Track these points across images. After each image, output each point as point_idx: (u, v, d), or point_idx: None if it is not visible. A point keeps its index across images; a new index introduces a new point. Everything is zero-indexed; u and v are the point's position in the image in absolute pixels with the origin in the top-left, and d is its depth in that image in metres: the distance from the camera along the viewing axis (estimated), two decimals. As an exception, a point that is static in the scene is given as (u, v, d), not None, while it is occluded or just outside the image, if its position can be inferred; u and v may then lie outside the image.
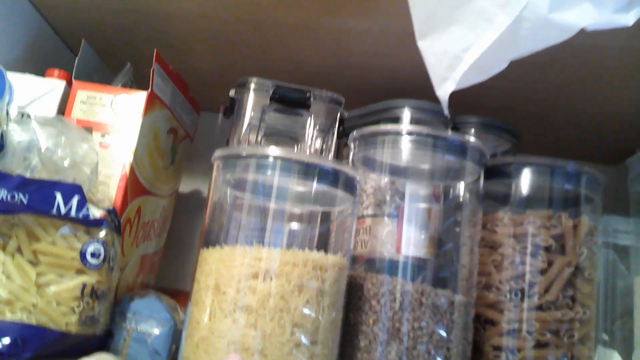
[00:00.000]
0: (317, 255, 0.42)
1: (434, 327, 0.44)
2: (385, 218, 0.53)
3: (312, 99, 0.56)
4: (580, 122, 0.69)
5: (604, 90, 0.61)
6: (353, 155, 0.52)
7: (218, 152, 0.47)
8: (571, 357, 0.47)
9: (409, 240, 0.52)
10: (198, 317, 0.42)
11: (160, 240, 0.67)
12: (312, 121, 0.57)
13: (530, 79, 0.61)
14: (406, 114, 0.60)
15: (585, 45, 0.53)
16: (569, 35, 0.40)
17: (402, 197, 0.54)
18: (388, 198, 0.54)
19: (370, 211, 0.55)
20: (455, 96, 0.66)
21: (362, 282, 0.46)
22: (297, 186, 0.46)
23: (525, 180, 0.52)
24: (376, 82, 0.69)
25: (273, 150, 0.44)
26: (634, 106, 0.63)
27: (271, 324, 0.39)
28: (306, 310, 0.40)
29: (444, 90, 0.46)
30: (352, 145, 0.53)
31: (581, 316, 0.48)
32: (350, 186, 0.46)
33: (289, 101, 0.57)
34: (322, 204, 0.49)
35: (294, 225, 0.50)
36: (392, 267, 0.50)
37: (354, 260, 0.53)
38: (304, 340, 0.40)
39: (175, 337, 0.50)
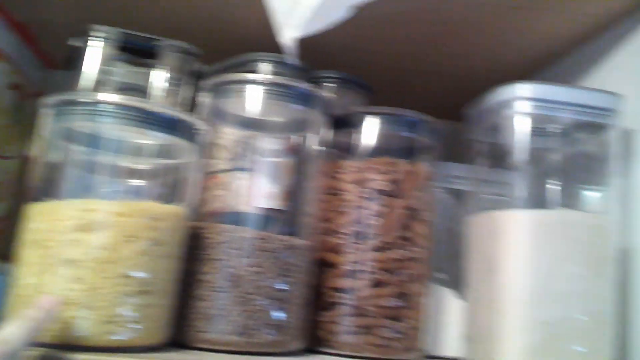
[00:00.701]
0: (151, 205, 0.41)
1: (274, 272, 0.45)
2: (240, 172, 0.53)
3: (162, 49, 0.54)
4: (433, 78, 0.72)
5: (455, 46, 0.64)
6: (205, 106, 0.52)
7: (44, 100, 0.44)
8: (404, 294, 0.50)
9: (262, 192, 0.52)
10: (22, 274, 0.40)
11: (4, 205, 0.63)
12: (163, 73, 0.55)
13: (384, 35, 0.63)
14: (265, 68, 0.61)
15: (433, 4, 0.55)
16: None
17: (257, 151, 0.54)
18: (242, 152, 0.54)
19: (225, 166, 0.54)
20: (313, 52, 0.67)
21: (203, 232, 0.46)
22: (135, 135, 0.45)
23: (368, 129, 0.53)
24: (241, 36, 0.68)
25: (105, 96, 0.42)
26: (484, 63, 0.67)
27: (98, 276, 0.38)
28: (139, 260, 0.39)
29: (286, 37, 0.46)
30: (204, 96, 0.52)
31: (415, 255, 0.51)
32: (192, 135, 0.45)
33: (137, 50, 0.54)
34: (162, 155, 0.48)
35: (133, 178, 0.48)
36: (244, 219, 0.51)
37: (208, 215, 0.52)
38: (135, 290, 0.39)
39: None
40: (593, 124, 0.52)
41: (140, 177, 0.46)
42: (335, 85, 0.64)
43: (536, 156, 0.52)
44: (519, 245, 0.48)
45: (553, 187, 0.53)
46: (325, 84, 0.64)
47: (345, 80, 0.64)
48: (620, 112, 0.52)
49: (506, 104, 0.51)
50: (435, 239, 0.57)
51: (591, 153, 0.53)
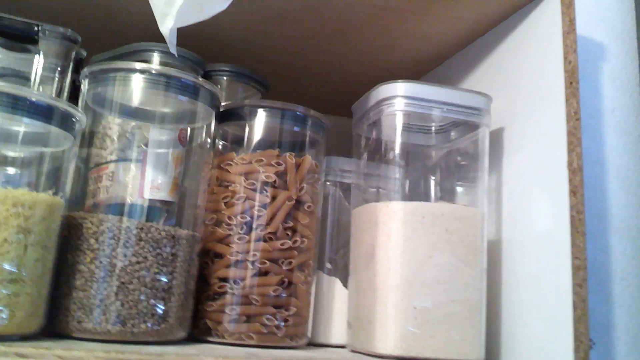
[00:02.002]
0: (19, 193, 0.40)
1: (154, 262, 0.45)
2: (127, 162, 0.53)
3: (40, 34, 0.53)
4: (326, 75, 0.74)
5: (346, 44, 0.66)
6: (85, 94, 0.51)
7: None
8: (289, 283, 0.52)
9: (152, 183, 0.52)
10: None
11: None
12: (41, 59, 0.53)
13: (278, 31, 0.64)
14: (155, 58, 0.60)
15: (320, 2, 0.57)
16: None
17: (144, 141, 0.54)
18: (129, 142, 0.54)
19: (113, 156, 0.54)
20: (208, 45, 0.67)
21: (83, 222, 0.45)
22: (7, 122, 0.43)
23: (257, 122, 0.55)
24: (131, 25, 0.67)
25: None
26: (374, 63, 0.70)
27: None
28: (5, 249, 0.38)
29: (165, 27, 0.46)
30: (83, 83, 0.51)
31: (299, 245, 0.52)
32: (68, 123, 0.44)
33: (14, 35, 0.52)
34: (37, 143, 0.47)
35: (5, 166, 0.46)
36: (129, 210, 0.50)
37: (95, 207, 0.52)
38: (3, 277, 0.38)
39: None
40: (465, 122, 0.56)
41: (12, 165, 0.45)
42: (229, 78, 0.64)
43: (413, 152, 0.56)
44: (394, 235, 0.51)
45: (429, 181, 0.57)
46: (219, 77, 0.64)
47: (239, 73, 0.64)
48: (489, 111, 0.56)
49: (385, 101, 0.54)
50: (323, 230, 0.59)
51: (464, 150, 0.58)
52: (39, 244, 0.41)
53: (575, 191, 0.51)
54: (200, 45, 0.62)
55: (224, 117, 0.55)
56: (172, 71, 0.48)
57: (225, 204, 0.53)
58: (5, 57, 0.54)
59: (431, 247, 0.51)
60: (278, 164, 0.53)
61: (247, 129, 0.55)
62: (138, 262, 0.45)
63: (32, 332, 0.41)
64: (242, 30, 0.64)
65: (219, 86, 0.64)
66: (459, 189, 0.58)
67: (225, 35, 0.66)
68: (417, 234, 0.51)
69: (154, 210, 0.52)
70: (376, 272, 0.51)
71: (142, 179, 0.53)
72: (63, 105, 0.43)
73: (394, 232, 0.51)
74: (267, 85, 0.67)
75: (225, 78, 0.65)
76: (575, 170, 0.51)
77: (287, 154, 0.53)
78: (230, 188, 0.53)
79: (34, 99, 0.41)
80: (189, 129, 0.54)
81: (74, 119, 0.45)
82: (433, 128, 0.57)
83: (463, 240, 0.52)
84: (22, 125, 0.43)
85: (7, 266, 0.38)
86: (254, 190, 0.52)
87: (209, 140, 0.54)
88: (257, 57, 0.70)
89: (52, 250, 0.42)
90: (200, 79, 0.50)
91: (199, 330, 0.51)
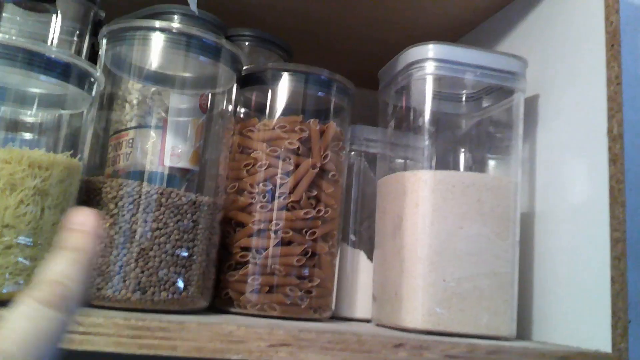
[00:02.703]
0: (36, 154, 0.39)
1: (175, 229, 0.44)
2: (149, 129, 0.52)
3: (58, -6, 0.51)
4: (352, 42, 0.71)
5: (374, 9, 0.64)
6: (103, 55, 0.49)
7: None
8: (312, 253, 0.50)
9: (172, 151, 0.51)
10: None
11: None
12: (59, 20, 0.52)
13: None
14: (176, 21, 0.58)
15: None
16: None
17: (165, 108, 0.52)
18: (150, 108, 0.52)
19: (133, 123, 0.52)
20: (229, 9, 0.65)
21: (102, 186, 0.44)
22: (24, 82, 0.42)
23: (280, 87, 0.52)
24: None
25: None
26: (403, 28, 0.67)
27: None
28: (20, 211, 0.37)
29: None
30: (102, 44, 0.49)
31: (323, 214, 0.51)
32: (86, 83, 0.43)
33: (31, -5, 0.51)
34: (55, 105, 0.45)
35: (24, 129, 0.45)
36: (150, 177, 0.49)
37: (115, 174, 0.50)
38: (20, 241, 0.37)
39: None
40: (499, 87, 0.53)
41: (30, 128, 0.43)
42: (251, 43, 0.62)
43: (445, 120, 0.53)
44: (422, 204, 0.49)
45: (459, 151, 0.55)
46: (241, 42, 0.62)
47: (262, 39, 0.62)
48: (524, 76, 0.53)
49: (415, 64, 0.51)
50: (348, 201, 0.57)
51: (497, 118, 0.55)
52: (57, 207, 0.39)
53: (616, 160, 0.48)
54: (221, 10, 0.60)
55: (245, 81, 0.53)
56: (194, 30, 0.46)
57: (247, 171, 0.51)
58: (23, 20, 0.52)
59: (461, 217, 0.49)
60: (302, 130, 0.51)
61: (269, 94, 0.53)
62: (158, 229, 0.43)
63: (49, 298, 0.39)
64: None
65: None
66: (491, 160, 0.55)
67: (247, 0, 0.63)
68: (446, 203, 0.49)
69: (174, 178, 0.51)
70: (403, 244, 0.49)
71: (162, 147, 0.51)
72: (81, 62, 0.41)
73: (423, 201, 0.49)
74: (290, 51, 0.64)
75: (247, 43, 0.63)
76: (616, 138, 0.48)
77: (311, 120, 0.51)
78: (252, 155, 0.51)
79: (51, 55, 0.39)
80: (209, 96, 0.52)
81: (92, 79, 0.43)
82: (465, 95, 0.54)
83: (494, 211, 0.50)
84: (39, 86, 0.41)
85: (23, 229, 0.37)
86: (277, 157, 0.50)
87: (230, 106, 0.52)
88: (280, 24, 0.68)
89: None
90: (222, 40, 0.48)
91: (221, 301, 0.50)
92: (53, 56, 0.39)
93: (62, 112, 0.43)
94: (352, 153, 0.60)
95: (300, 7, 0.64)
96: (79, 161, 0.42)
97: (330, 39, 0.71)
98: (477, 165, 0.56)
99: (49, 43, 0.50)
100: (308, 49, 0.72)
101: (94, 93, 0.44)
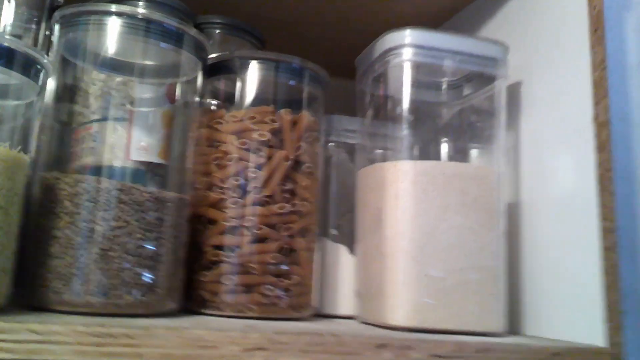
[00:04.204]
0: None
1: (138, 227, 0.41)
2: (114, 122, 0.49)
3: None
4: (329, 31, 0.69)
5: (351, 0, 0.61)
6: (57, 42, 0.46)
7: None
8: (290, 250, 0.47)
9: (139, 144, 0.48)
10: None
11: None
12: (12, 5, 0.48)
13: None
14: (141, 7, 0.56)
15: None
16: None
17: (129, 99, 0.49)
18: (113, 99, 0.49)
19: (97, 115, 0.49)
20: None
21: (56, 182, 0.41)
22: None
23: (249, 76, 0.50)
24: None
25: None
26: (382, 15, 0.65)
27: None
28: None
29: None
30: (55, 30, 0.46)
31: (299, 208, 0.48)
32: (31, 70, 0.39)
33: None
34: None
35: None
36: (113, 172, 0.46)
37: (80, 169, 0.47)
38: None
39: None
40: (480, 74, 0.51)
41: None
42: (222, 31, 0.59)
43: (424, 109, 0.51)
44: (402, 196, 0.46)
45: (442, 140, 0.52)
46: (211, 30, 0.59)
47: (233, 26, 0.59)
48: (506, 62, 0.51)
49: (392, 51, 0.49)
50: (327, 194, 0.55)
51: (478, 106, 0.53)
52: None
53: (603, 147, 0.46)
54: (191, -1, 0.57)
55: (212, 70, 0.50)
56: (153, 15, 0.43)
57: (217, 165, 0.48)
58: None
59: (444, 209, 0.46)
60: (273, 121, 0.48)
61: (238, 84, 0.50)
62: (119, 227, 0.40)
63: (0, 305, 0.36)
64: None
65: (211, 40, 0.59)
66: (473, 149, 0.53)
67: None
68: (428, 195, 0.46)
69: (142, 173, 0.48)
70: (384, 237, 0.47)
71: (128, 140, 0.48)
72: (24, 48, 0.38)
73: (403, 193, 0.46)
74: (263, 40, 0.62)
75: (217, 31, 0.60)
76: (603, 124, 0.46)
77: (283, 110, 0.49)
78: (221, 148, 0.48)
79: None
80: (175, 84, 0.49)
81: (38, 65, 0.39)
82: (445, 83, 0.52)
83: (478, 202, 0.47)
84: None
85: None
86: (247, 150, 0.47)
87: (195, 96, 0.49)
88: (252, 12, 0.65)
89: (15, 216, 0.37)
90: (185, 25, 0.45)
91: (193, 303, 0.47)
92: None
93: (5, 102, 0.40)
94: (331, 144, 0.57)
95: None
96: (24, 155, 0.39)
97: (307, 28, 0.68)
98: (459, 155, 0.53)
99: (0, 30, 0.46)
100: (283, 38, 0.70)
101: (40, 82, 0.40)
